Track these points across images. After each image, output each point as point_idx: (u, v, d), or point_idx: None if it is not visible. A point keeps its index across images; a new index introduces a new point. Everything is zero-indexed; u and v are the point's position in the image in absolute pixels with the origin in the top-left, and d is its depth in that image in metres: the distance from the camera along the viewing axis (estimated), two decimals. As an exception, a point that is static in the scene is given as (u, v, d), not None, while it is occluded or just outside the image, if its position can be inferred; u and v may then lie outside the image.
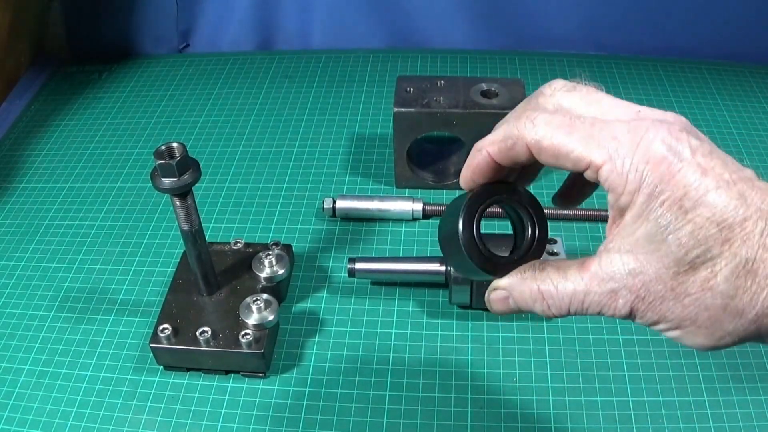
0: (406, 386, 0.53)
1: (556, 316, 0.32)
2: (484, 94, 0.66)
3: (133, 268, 0.64)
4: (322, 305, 0.60)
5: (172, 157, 0.47)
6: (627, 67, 0.88)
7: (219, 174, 0.74)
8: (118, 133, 0.81)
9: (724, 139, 0.76)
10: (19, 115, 0.85)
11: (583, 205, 0.63)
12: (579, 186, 0.38)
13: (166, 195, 0.56)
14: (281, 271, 0.57)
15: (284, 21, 0.95)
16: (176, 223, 0.51)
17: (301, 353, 0.56)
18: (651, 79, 0.86)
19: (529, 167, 0.35)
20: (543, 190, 0.67)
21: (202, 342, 0.52)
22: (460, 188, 0.36)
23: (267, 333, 0.53)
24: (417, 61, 0.92)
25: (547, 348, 0.56)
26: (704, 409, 0.51)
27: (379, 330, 0.58)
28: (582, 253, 0.63)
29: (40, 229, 0.69)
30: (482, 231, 0.34)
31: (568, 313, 0.32)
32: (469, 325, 0.58)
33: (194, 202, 0.50)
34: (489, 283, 0.35)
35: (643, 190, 0.28)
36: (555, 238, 0.59)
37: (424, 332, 0.57)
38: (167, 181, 0.47)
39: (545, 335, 0.56)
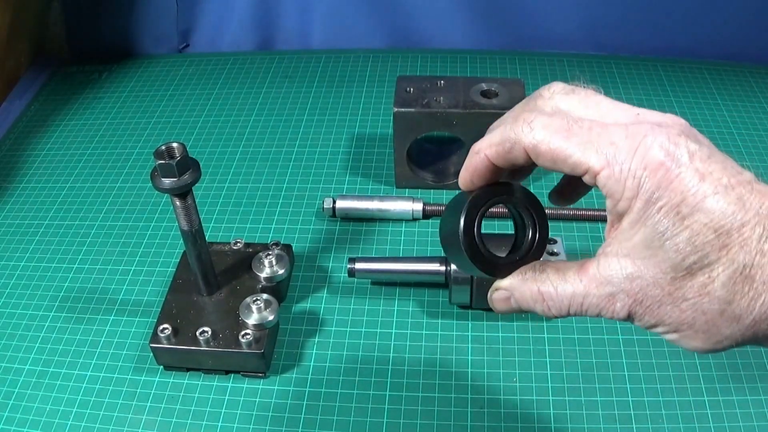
0: (406, 386, 0.53)
1: (557, 317, 0.32)
2: (484, 94, 0.66)
3: (133, 268, 0.64)
4: (322, 305, 0.60)
5: (172, 157, 0.47)
6: (627, 67, 0.88)
7: (219, 174, 0.74)
8: (118, 133, 0.81)
9: (724, 139, 0.76)
10: (19, 115, 0.85)
11: (583, 204, 0.64)
12: (575, 185, 0.38)
13: (166, 195, 0.56)
14: (281, 271, 0.57)
15: (284, 21, 0.95)
16: (176, 223, 0.51)
17: (301, 353, 0.56)
18: (651, 79, 0.86)
19: (526, 166, 0.35)
20: (543, 190, 0.67)
21: (202, 342, 0.52)
22: (459, 188, 0.36)
23: (267, 333, 0.53)
24: (417, 61, 0.92)
25: (547, 348, 0.56)
26: (704, 409, 0.51)
27: (379, 330, 0.58)
28: (582, 253, 0.63)
29: (40, 229, 0.69)
30: (483, 231, 0.34)
31: (568, 314, 0.32)
32: (469, 325, 0.58)
33: (194, 202, 0.50)
34: (490, 282, 0.35)
35: (641, 197, 0.28)
36: (555, 238, 0.59)
37: (424, 332, 0.57)
38: (167, 181, 0.47)
39: (545, 335, 0.57)
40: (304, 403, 0.53)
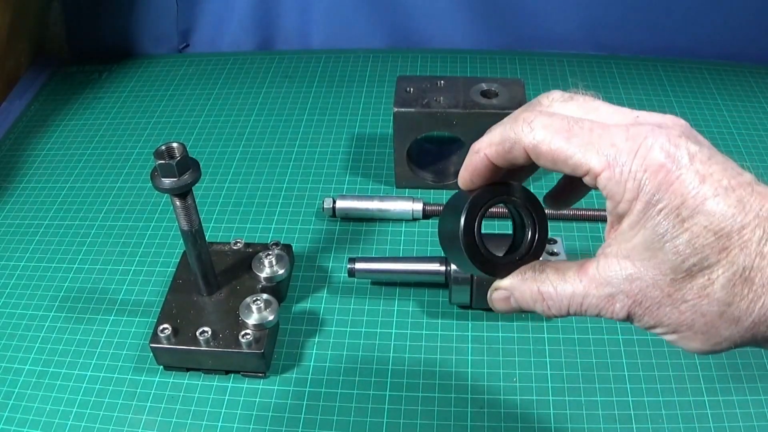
0: (406, 386, 0.53)
1: (557, 317, 0.32)
2: (484, 94, 0.66)
3: (133, 268, 0.64)
4: (322, 305, 0.60)
5: (172, 157, 0.47)
6: (627, 67, 0.88)
7: (219, 174, 0.74)
8: (118, 133, 0.81)
9: (724, 140, 0.76)
10: (19, 115, 0.85)
11: (584, 205, 0.64)
12: (573, 188, 0.38)
13: (166, 195, 0.56)
14: (281, 271, 0.57)
15: (284, 21, 0.95)
16: (176, 223, 0.51)
17: (301, 353, 0.56)
18: (651, 79, 0.86)
19: (526, 167, 0.35)
20: (543, 190, 0.66)
21: (202, 342, 0.52)
22: (459, 188, 0.36)
23: (267, 333, 0.53)
24: (417, 61, 0.92)
25: (547, 348, 0.56)
26: (704, 409, 0.51)
27: (379, 330, 0.58)
28: (582, 253, 0.63)
29: (40, 229, 0.69)
30: (482, 231, 0.34)
31: (568, 314, 0.32)
32: (469, 325, 0.58)
33: (194, 202, 0.50)
34: (489, 282, 0.35)
35: (641, 198, 0.28)
36: (555, 238, 0.59)
37: (424, 332, 0.57)
38: (167, 181, 0.47)
39: (545, 335, 0.57)
40: (304, 403, 0.53)
